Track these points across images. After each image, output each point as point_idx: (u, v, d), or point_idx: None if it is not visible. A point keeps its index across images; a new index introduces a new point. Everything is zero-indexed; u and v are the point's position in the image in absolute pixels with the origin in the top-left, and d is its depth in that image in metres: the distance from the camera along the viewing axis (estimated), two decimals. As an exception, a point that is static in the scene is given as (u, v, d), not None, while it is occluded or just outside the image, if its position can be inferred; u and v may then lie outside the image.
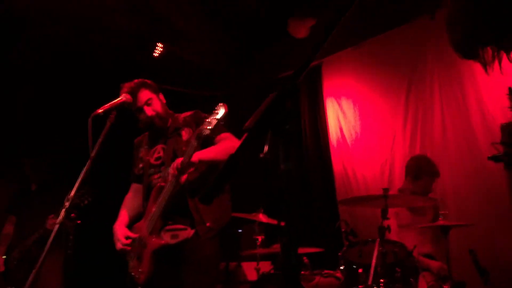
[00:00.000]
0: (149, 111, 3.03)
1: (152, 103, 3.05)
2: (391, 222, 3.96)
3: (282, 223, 0.98)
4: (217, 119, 2.69)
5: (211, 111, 2.76)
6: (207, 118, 2.73)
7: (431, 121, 4.84)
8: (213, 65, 5.89)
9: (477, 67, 4.55)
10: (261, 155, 0.99)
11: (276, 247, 3.95)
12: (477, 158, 4.28)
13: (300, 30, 5.02)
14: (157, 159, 3.09)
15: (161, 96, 3.14)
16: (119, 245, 2.96)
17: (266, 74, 5.89)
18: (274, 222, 4.08)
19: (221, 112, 2.69)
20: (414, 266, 3.49)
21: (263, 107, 0.99)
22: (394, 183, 5.07)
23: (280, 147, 0.97)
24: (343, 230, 3.82)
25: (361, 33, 5.29)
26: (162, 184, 2.93)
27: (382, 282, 3.08)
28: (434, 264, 3.76)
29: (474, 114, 4.47)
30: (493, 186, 3.88)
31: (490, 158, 2.83)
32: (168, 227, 2.89)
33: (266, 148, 0.99)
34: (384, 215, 3.30)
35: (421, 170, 4.06)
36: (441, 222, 3.47)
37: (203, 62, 5.80)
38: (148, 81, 3.13)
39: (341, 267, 3.51)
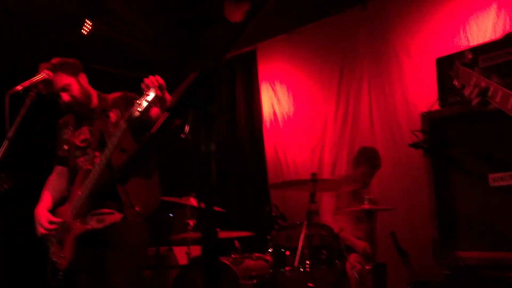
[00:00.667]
0: (65, 97, 2.88)
1: (70, 88, 2.88)
2: (331, 203, 4.11)
3: (202, 205, 0.97)
4: (148, 101, 2.61)
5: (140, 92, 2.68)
6: (137, 99, 2.64)
7: (360, 109, 5.01)
8: (148, 47, 5.73)
9: (404, 58, 4.76)
10: (182, 135, 0.97)
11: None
12: (401, 146, 4.48)
13: (236, 14, 4.98)
14: (83, 141, 2.97)
15: (82, 77, 2.96)
16: (40, 230, 2.83)
17: (203, 58, 5.82)
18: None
19: (151, 94, 2.61)
20: (340, 249, 3.62)
21: (183, 87, 0.96)
22: (323, 168, 5.22)
23: (202, 128, 0.95)
24: (273, 214, 3.88)
25: (294, 20, 5.35)
26: (89, 167, 2.82)
27: (308, 264, 3.17)
28: (360, 244, 3.92)
29: (399, 104, 4.67)
30: (414, 172, 4.09)
31: (410, 145, 2.98)
32: (94, 212, 2.80)
33: (187, 128, 0.97)
34: (312, 199, 3.39)
35: (361, 158, 4.22)
36: (366, 206, 3.61)
37: (137, 44, 5.63)
38: (70, 60, 2.96)
39: (270, 250, 3.57)
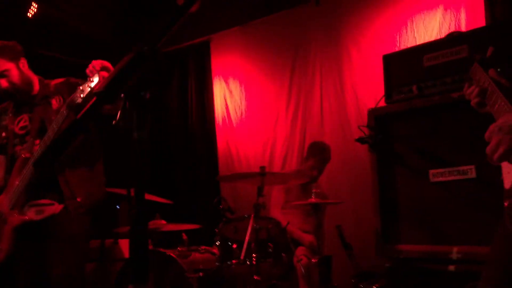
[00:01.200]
0: (3, 83, 2.74)
1: (9, 74, 2.74)
2: (280, 196, 4.12)
3: (132, 193, 0.93)
4: (91, 87, 2.52)
5: (85, 78, 2.58)
6: (80, 85, 2.54)
7: (311, 104, 5.06)
8: (96, 32, 5.55)
9: (354, 54, 4.79)
10: (114, 122, 0.92)
11: (154, 223, 3.89)
12: (350, 141, 4.54)
13: None
14: (22, 128, 2.84)
15: (23, 63, 2.81)
16: (-26, 221, 2.69)
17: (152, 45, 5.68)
18: (153, 198, 3.99)
19: (95, 80, 2.52)
20: (287, 242, 3.64)
21: (115, 70, 0.92)
22: (274, 162, 5.25)
23: (134, 114, 0.92)
24: (221, 206, 3.86)
25: (249, 12, 5.33)
26: (27, 155, 2.70)
27: (254, 257, 3.17)
28: (307, 238, 3.96)
29: (349, 99, 4.75)
30: (360, 167, 4.16)
31: (356, 140, 3.02)
32: (32, 202, 2.68)
33: (119, 114, 0.93)
34: (260, 192, 3.39)
35: (312, 152, 4.24)
36: (312, 200, 3.64)
37: (85, 28, 5.43)
38: (9, 44, 2.81)
39: (217, 243, 3.55)
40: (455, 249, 2.61)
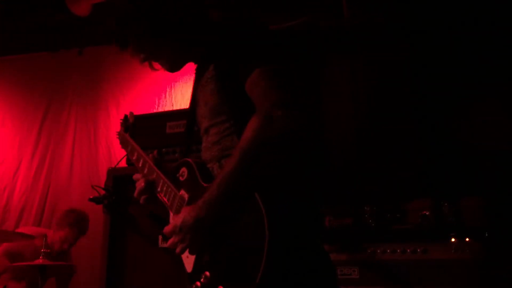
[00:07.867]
0: None
1: None
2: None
3: None
4: None
5: None
6: None
7: (61, 154, 4.75)
8: None
9: (113, 111, 4.62)
10: None
11: None
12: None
13: (81, 6, 4.14)
14: None
15: None
16: None
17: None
18: None
19: None
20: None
21: None
22: (10, 215, 4.70)
23: None
24: None
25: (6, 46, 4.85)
26: None
27: None
28: None
29: (102, 154, 4.59)
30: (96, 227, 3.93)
31: (91, 200, 2.87)
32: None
33: None
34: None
35: (67, 221, 3.73)
36: (40, 261, 3.25)
37: None
38: None
39: None
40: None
